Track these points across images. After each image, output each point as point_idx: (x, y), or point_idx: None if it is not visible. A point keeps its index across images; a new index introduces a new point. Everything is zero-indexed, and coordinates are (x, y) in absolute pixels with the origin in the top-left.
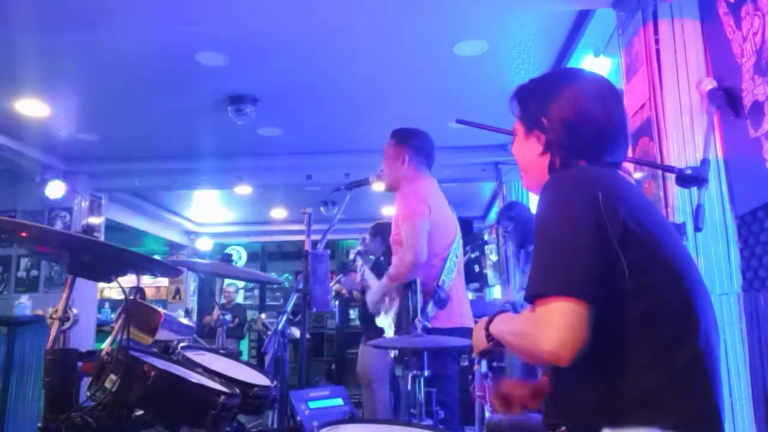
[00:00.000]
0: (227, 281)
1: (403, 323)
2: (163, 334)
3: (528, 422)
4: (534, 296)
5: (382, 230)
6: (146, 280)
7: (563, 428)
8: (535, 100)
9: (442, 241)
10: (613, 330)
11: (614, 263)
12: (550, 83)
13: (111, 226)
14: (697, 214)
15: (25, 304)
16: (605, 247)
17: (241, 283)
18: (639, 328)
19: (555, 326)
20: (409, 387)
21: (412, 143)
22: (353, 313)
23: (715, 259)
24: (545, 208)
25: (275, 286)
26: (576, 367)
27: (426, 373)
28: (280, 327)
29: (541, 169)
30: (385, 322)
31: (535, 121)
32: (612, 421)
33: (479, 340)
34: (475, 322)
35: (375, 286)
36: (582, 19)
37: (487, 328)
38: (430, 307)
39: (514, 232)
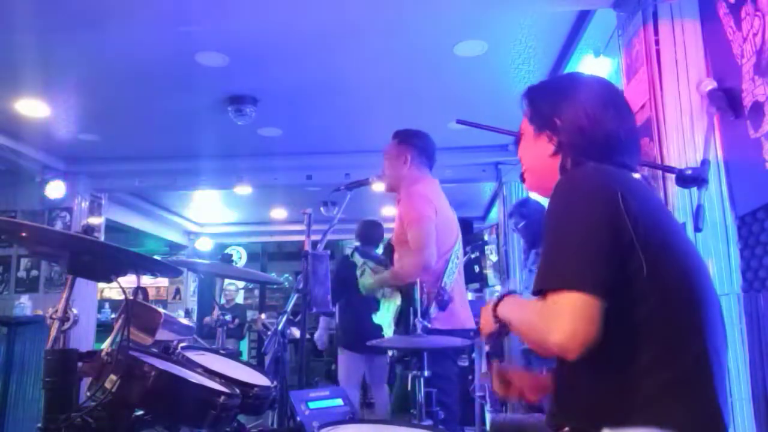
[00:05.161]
0: (227, 281)
1: (402, 323)
2: (163, 335)
3: (531, 422)
4: (545, 289)
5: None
6: (146, 280)
7: (566, 429)
8: (547, 100)
9: (446, 243)
10: (618, 329)
11: (629, 260)
12: (564, 85)
13: (111, 226)
14: (697, 214)
15: (25, 304)
16: (621, 243)
17: (241, 284)
18: (645, 328)
19: (567, 318)
20: (409, 387)
21: (414, 143)
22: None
23: (715, 260)
24: (560, 203)
25: (275, 287)
26: (580, 367)
27: (426, 373)
28: (280, 327)
29: (551, 170)
30: (384, 320)
31: (547, 121)
32: (615, 422)
33: (487, 322)
34: (476, 323)
35: (373, 276)
36: (582, 19)
37: (494, 310)
38: (433, 309)
39: (525, 229)
